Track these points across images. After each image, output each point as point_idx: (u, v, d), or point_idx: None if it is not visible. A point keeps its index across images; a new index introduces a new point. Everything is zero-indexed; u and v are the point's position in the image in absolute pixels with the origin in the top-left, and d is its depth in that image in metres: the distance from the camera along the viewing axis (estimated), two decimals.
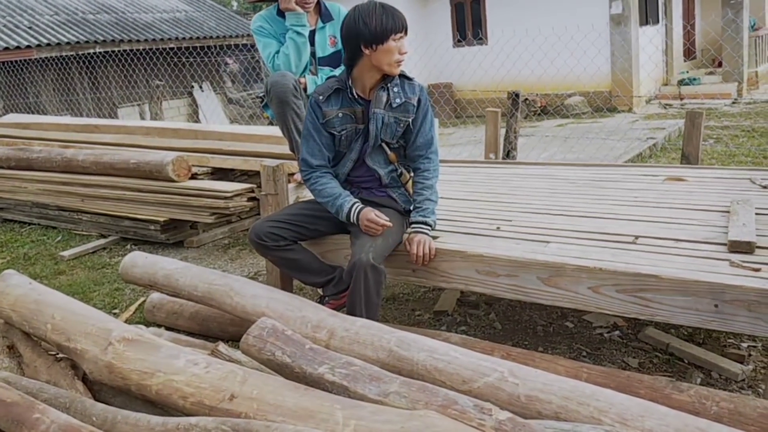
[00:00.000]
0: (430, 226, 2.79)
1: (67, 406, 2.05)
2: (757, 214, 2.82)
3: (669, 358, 2.84)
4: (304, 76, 3.43)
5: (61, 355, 2.42)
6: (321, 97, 2.79)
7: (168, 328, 3.32)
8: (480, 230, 2.96)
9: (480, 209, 3.27)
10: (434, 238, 2.85)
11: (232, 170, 4.93)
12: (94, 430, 1.88)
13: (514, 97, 5.10)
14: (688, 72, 15.16)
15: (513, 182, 3.81)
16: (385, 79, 2.77)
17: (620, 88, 12.66)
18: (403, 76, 2.82)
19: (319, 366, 2.01)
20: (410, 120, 2.81)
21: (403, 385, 1.93)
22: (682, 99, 13.50)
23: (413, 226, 2.79)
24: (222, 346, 2.31)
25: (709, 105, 12.39)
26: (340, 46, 3.58)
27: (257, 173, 4.99)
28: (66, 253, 4.70)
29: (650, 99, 13.72)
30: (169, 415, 2.08)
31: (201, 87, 15.41)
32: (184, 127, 5.54)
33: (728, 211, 2.91)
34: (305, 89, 3.39)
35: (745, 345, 2.90)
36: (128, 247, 4.88)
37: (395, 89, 2.78)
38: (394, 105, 2.77)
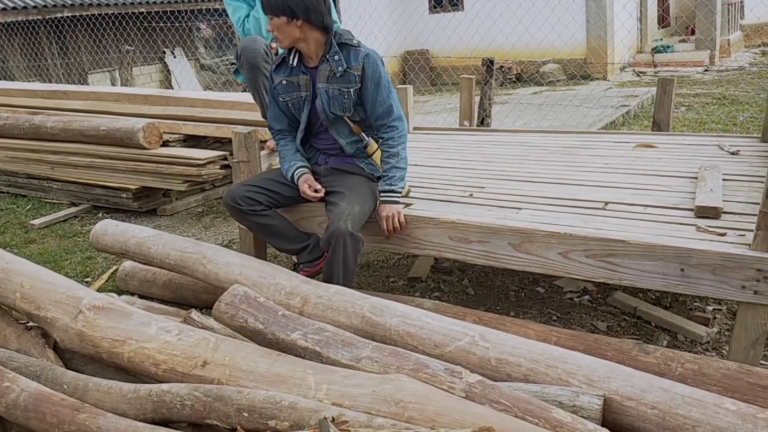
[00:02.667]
0: (398, 193, 2.79)
1: (37, 375, 2.05)
2: (724, 179, 2.86)
3: (637, 322, 2.90)
4: (275, 41, 3.37)
5: (31, 324, 2.40)
6: (273, 65, 2.89)
7: (141, 296, 3.30)
8: (453, 197, 2.98)
9: (453, 176, 3.28)
10: (407, 205, 2.86)
11: (204, 137, 4.86)
12: (65, 398, 1.88)
13: (489, 64, 5.09)
14: (662, 40, 15.21)
15: (486, 150, 3.82)
16: (326, 48, 2.75)
17: (595, 56, 12.69)
18: (346, 44, 2.76)
19: (292, 332, 2.02)
20: (355, 89, 2.75)
21: (375, 350, 1.95)
22: (655, 67, 13.58)
23: (381, 195, 2.79)
24: (194, 314, 2.31)
25: (682, 72, 12.47)
26: None
27: (230, 140, 4.94)
28: (36, 222, 4.63)
29: (624, 67, 13.78)
30: (141, 382, 2.08)
31: (173, 53, 15.09)
32: (154, 93, 5.44)
33: (696, 177, 2.96)
34: (276, 54, 3.34)
35: (710, 308, 2.97)
36: (100, 215, 4.81)
37: (336, 57, 2.74)
38: (338, 74, 2.73)
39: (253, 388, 1.79)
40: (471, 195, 2.97)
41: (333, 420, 1.37)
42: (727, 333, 2.79)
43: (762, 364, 2.29)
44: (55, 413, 1.82)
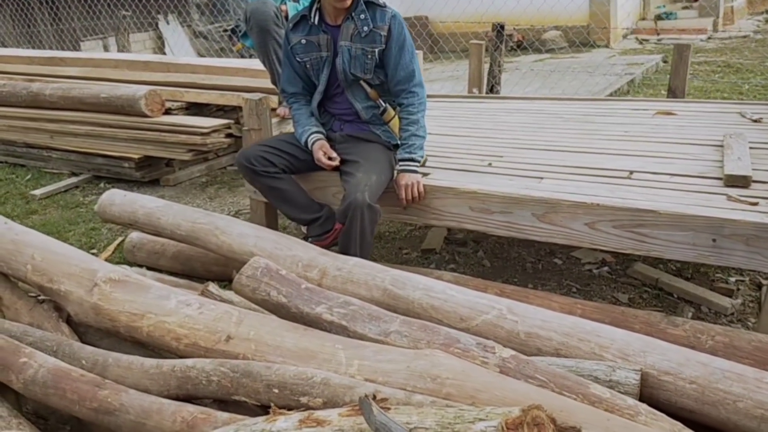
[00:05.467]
0: (417, 162, 2.71)
1: (54, 350, 1.98)
2: (750, 148, 2.79)
3: (659, 293, 2.85)
4: (285, 3, 3.26)
5: (42, 297, 2.33)
6: (290, 24, 2.76)
7: (150, 268, 3.22)
8: (471, 166, 2.90)
9: (469, 145, 3.19)
10: (424, 175, 2.78)
11: (207, 105, 4.74)
12: (85, 374, 1.82)
13: (499, 29, 4.97)
14: (664, 6, 14.98)
15: (499, 117, 3.73)
16: (352, 6, 2.64)
17: (597, 23, 12.48)
18: (372, 3, 2.67)
19: (317, 306, 1.96)
20: (379, 50, 2.67)
21: (403, 324, 1.89)
22: (658, 34, 13.38)
23: (400, 164, 2.71)
24: (212, 286, 2.24)
25: (685, 40, 12.23)
26: None
27: (234, 108, 4.83)
28: (37, 192, 4.52)
29: (627, 34, 13.58)
30: (160, 356, 2.02)
31: (167, 20, 14.80)
32: (154, 59, 5.31)
33: (721, 145, 2.89)
34: (286, 17, 3.23)
35: (732, 279, 2.92)
36: (101, 185, 4.71)
37: (362, 16, 2.64)
38: (363, 34, 2.64)
39: (280, 363, 1.73)
40: (490, 164, 2.89)
41: (374, 398, 1.31)
42: (751, 305, 2.74)
43: None
44: (76, 390, 1.76)
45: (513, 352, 1.79)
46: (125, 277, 2.09)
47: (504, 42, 5.06)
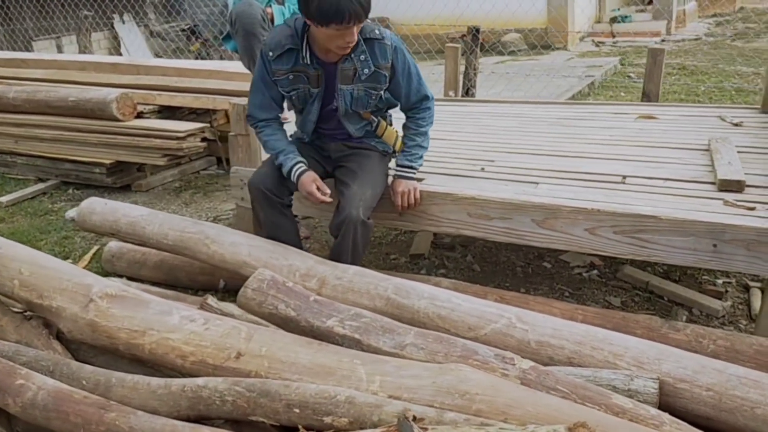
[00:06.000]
0: (416, 170, 2.67)
1: (50, 370, 1.88)
2: (737, 152, 2.83)
3: (649, 296, 2.88)
4: (271, 6, 3.19)
5: (29, 313, 2.21)
6: (271, 54, 2.47)
7: (130, 278, 3.11)
8: (463, 171, 2.88)
9: (459, 149, 3.17)
10: (419, 180, 2.74)
11: (179, 108, 4.62)
12: (89, 395, 1.73)
13: (474, 32, 4.96)
14: (619, 9, 15.29)
15: (484, 121, 3.73)
16: (354, 46, 2.42)
17: (555, 26, 12.64)
18: (370, 38, 2.44)
19: (327, 319, 1.91)
20: (385, 88, 2.55)
21: (418, 336, 1.86)
22: (614, 37, 13.62)
23: (398, 168, 2.67)
24: (211, 299, 2.17)
25: (640, 43, 12.54)
26: None
27: (206, 111, 4.73)
28: (4, 199, 4.33)
29: (583, 37, 13.80)
30: (161, 375, 1.94)
31: (122, 19, 14.45)
32: (123, 61, 5.15)
33: (707, 149, 2.93)
34: (272, 20, 3.16)
35: (720, 281, 2.97)
36: (70, 191, 4.54)
37: (362, 57, 2.44)
38: (363, 77, 2.48)
39: (296, 380, 1.68)
40: (482, 169, 2.87)
41: (414, 418, 1.26)
42: (740, 307, 2.79)
43: None
44: (80, 412, 1.67)
45: (532, 363, 1.77)
46: (123, 291, 2.01)
47: (479, 45, 5.06)
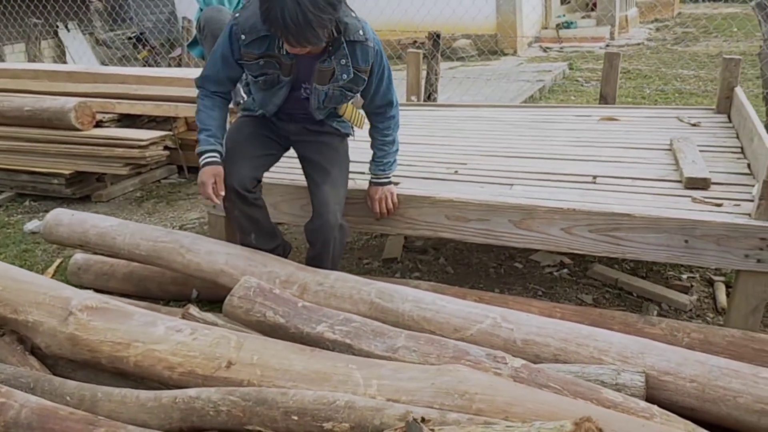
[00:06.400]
0: (390, 175, 2.67)
1: (31, 387, 1.82)
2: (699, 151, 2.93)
3: (620, 293, 2.95)
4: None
5: (2, 329, 2.13)
6: (244, 38, 2.32)
7: (98, 291, 3.02)
8: (437, 174, 2.90)
9: (430, 153, 3.20)
10: (396, 184, 2.75)
11: (139, 116, 4.53)
12: (75, 411, 1.67)
13: (435, 38, 5.01)
14: (564, 15, 15.62)
15: (453, 125, 3.76)
16: (333, 48, 2.32)
17: (503, 32, 12.84)
18: (353, 41, 2.34)
19: (317, 324, 1.90)
20: (362, 88, 2.49)
21: (409, 339, 1.87)
22: (560, 42, 13.92)
23: (373, 176, 2.66)
24: (193, 309, 2.13)
25: (586, 48, 12.84)
26: None
27: (167, 119, 4.64)
28: None
29: (531, 42, 14.06)
30: (148, 388, 1.90)
31: (67, 27, 14.08)
32: (79, 69, 5.01)
33: (670, 149, 3.02)
34: None
35: (685, 276, 3.06)
36: (27, 203, 4.39)
37: (343, 62, 2.35)
38: (340, 81, 2.40)
39: (291, 388, 1.66)
40: (456, 172, 2.91)
41: (423, 420, 1.27)
42: (706, 300, 2.88)
43: (761, 330, 2.36)
44: (67, 429, 1.62)
45: (523, 362, 1.79)
46: (104, 303, 1.95)
47: (440, 50, 5.11)
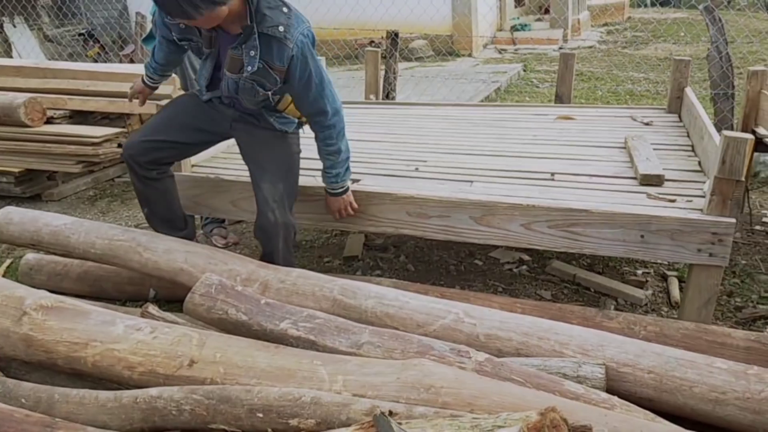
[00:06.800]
0: (344, 184, 2.59)
1: None
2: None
3: (577, 288, 3.00)
4: None
5: None
6: None
7: (52, 291, 2.93)
8: (398, 171, 2.91)
9: (391, 150, 3.20)
10: (355, 181, 2.75)
11: (91, 113, 4.42)
12: (31, 414, 1.62)
13: (394, 37, 5.02)
14: (519, 18, 15.85)
15: (412, 123, 3.77)
16: (242, 36, 2.25)
17: (460, 32, 12.96)
18: (269, 35, 2.23)
19: (281, 321, 1.88)
20: (274, 89, 2.36)
21: (373, 335, 1.86)
22: (515, 44, 14.12)
23: (327, 189, 2.61)
24: (152, 308, 2.09)
25: (540, 50, 13.09)
26: None
27: (120, 116, 4.55)
28: None
29: (486, 44, 14.23)
30: (106, 388, 1.85)
31: (13, 22, 13.65)
32: (28, 64, 4.86)
33: (624, 147, 3.09)
34: None
35: (639, 272, 3.14)
36: None
37: (252, 53, 2.25)
38: (246, 73, 2.29)
39: (255, 385, 1.64)
40: (416, 169, 2.92)
41: (390, 414, 1.27)
42: (660, 295, 2.95)
43: (713, 322, 2.43)
44: None
45: (487, 356, 1.81)
46: (59, 303, 1.90)
47: (398, 49, 5.12)
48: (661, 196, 2.50)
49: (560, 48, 13.40)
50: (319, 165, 2.65)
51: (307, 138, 2.63)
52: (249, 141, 2.58)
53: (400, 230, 2.65)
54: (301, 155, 2.68)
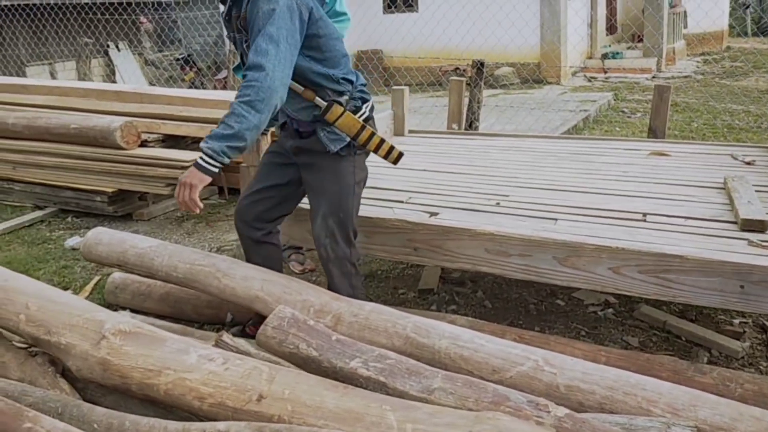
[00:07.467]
0: (208, 156, 2.09)
1: (59, 412, 1.79)
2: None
3: (667, 336, 2.82)
4: None
5: (35, 349, 2.12)
6: None
7: (134, 311, 3.02)
8: (478, 206, 2.84)
9: (471, 183, 3.13)
10: (433, 214, 2.69)
11: (183, 137, 4.58)
12: None
13: (479, 66, 4.97)
14: (610, 46, 15.50)
15: (493, 155, 3.69)
16: None
17: (548, 61, 12.77)
18: None
19: (351, 360, 1.84)
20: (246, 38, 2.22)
21: (446, 380, 1.79)
22: (605, 72, 13.78)
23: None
24: (226, 336, 2.08)
25: (631, 79, 12.72)
26: None
27: None
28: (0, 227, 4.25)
29: (575, 72, 13.95)
30: (176, 417, 1.86)
31: (118, 47, 14.48)
32: (127, 89, 5.10)
33: (722, 188, 2.91)
34: None
35: (737, 321, 2.92)
36: (69, 219, 4.46)
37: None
38: (239, 23, 2.22)
39: (322, 426, 1.60)
40: (498, 204, 2.83)
41: None
42: (759, 348, 2.73)
43: None
44: None
45: (567, 411, 1.69)
46: (137, 328, 1.92)
47: (483, 78, 5.06)
48: (764, 243, 2.32)
49: (653, 77, 12.99)
50: (393, 196, 2.60)
51: (383, 167, 2.59)
52: (306, 171, 2.50)
53: (478, 267, 2.57)
54: (375, 186, 2.63)
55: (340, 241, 2.46)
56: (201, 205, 2.22)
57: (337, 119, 2.31)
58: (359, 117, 2.37)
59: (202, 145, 2.09)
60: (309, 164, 2.46)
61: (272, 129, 2.86)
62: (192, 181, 2.14)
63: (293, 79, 2.20)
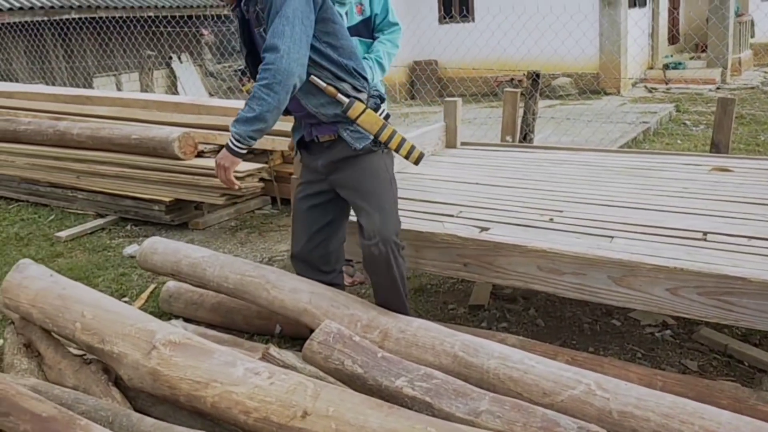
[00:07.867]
0: (236, 137, 2.20)
1: (110, 421, 1.82)
2: None
3: (729, 361, 2.70)
4: None
5: (89, 357, 2.18)
6: None
7: (186, 320, 3.08)
8: (530, 221, 2.77)
9: (524, 198, 3.07)
10: (484, 229, 2.65)
11: None
12: None
13: (535, 77, 4.89)
14: (672, 56, 15.11)
15: (547, 168, 3.62)
16: None
17: (606, 71, 12.53)
18: None
19: (396, 378, 1.82)
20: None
21: (494, 403, 1.75)
22: (667, 83, 13.43)
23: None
24: (273, 350, 2.09)
25: (694, 90, 12.34)
26: (368, 13, 3.32)
27: (264, 152, 4.74)
28: (63, 234, 4.38)
29: (636, 82, 13.64)
30: (222, 430, 1.87)
31: (179, 58, 14.88)
32: (185, 100, 5.23)
33: None
34: None
35: None
36: (128, 227, 4.58)
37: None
38: (257, 15, 2.23)
39: None
40: (551, 220, 2.77)
41: None
42: None
43: None
44: None
45: None
46: (186, 339, 1.95)
47: (539, 90, 4.98)
48: None
49: (717, 88, 12.58)
50: (444, 210, 2.56)
51: (434, 179, 2.56)
52: (340, 181, 2.46)
53: (530, 285, 2.52)
54: (425, 199, 2.60)
55: (386, 233, 2.34)
56: (238, 183, 2.36)
57: (358, 116, 2.32)
58: (379, 115, 2.38)
59: (231, 128, 2.20)
60: (342, 173, 2.43)
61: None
62: (225, 164, 2.27)
63: (315, 74, 2.25)
